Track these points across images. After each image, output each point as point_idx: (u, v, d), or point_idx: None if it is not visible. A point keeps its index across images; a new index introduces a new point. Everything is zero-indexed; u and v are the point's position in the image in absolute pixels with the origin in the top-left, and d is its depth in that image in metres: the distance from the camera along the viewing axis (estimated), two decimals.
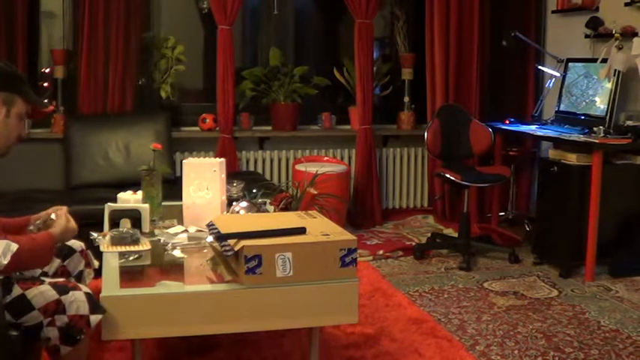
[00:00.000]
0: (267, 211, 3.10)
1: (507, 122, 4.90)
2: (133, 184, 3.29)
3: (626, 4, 4.43)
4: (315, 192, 3.95)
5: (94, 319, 2.09)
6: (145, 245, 2.64)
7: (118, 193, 3.09)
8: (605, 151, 3.99)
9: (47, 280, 2.20)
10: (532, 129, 4.62)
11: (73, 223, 2.31)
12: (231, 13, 4.81)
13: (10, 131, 2.23)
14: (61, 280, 2.26)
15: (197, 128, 5.06)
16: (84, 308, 2.08)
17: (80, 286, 2.18)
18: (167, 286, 2.31)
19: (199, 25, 5.40)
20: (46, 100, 4.73)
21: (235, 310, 2.23)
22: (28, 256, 2.07)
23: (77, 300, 2.09)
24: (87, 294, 2.12)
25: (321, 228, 2.39)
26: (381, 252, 4.50)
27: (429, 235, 4.81)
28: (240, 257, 2.22)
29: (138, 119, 4.60)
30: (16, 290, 2.09)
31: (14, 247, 2.02)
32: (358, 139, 5.17)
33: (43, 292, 2.08)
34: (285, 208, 3.17)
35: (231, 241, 2.25)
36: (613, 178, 4.04)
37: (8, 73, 2.25)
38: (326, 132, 5.33)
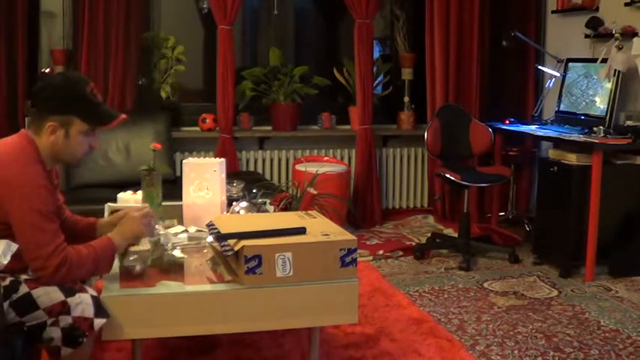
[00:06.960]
0: (267, 211, 3.10)
1: (507, 122, 4.90)
2: (133, 184, 3.28)
3: (626, 4, 4.43)
4: (315, 192, 3.96)
5: (98, 322, 2.08)
6: (144, 245, 2.63)
7: (118, 193, 3.09)
8: (605, 151, 3.99)
9: None
10: (532, 129, 4.62)
11: (139, 227, 2.35)
12: (231, 13, 4.81)
13: (73, 149, 2.22)
14: None
15: (197, 128, 5.06)
16: (89, 311, 2.07)
17: (87, 288, 2.17)
18: (167, 286, 2.30)
19: (199, 25, 5.40)
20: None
21: (235, 310, 2.23)
22: (85, 270, 2.14)
23: (83, 302, 2.08)
24: (93, 297, 2.11)
25: (321, 228, 2.39)
26: (381, 252, 4.50)
27: (429, 235, 4.81)
28: (240, 257, 2.22)
29: (138, 119, 4.59)
30: (23, 289, 2.08)
31: (14, 247, 2.01)
32: (358, 139, 5.17)
33: (49, 293, 2.07)
34: (285, 208, 3.17)
35: (231, 241, 2.25)
36: (613, 178, 4.04)
37: (63, 96, 2.18)
38: (326, 132, 5.33)
